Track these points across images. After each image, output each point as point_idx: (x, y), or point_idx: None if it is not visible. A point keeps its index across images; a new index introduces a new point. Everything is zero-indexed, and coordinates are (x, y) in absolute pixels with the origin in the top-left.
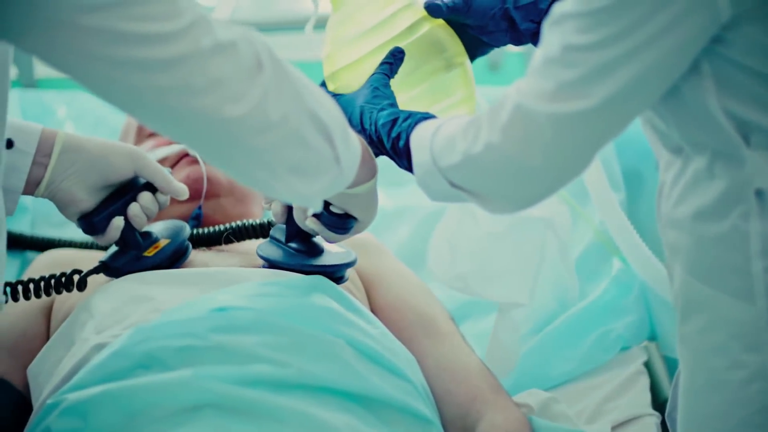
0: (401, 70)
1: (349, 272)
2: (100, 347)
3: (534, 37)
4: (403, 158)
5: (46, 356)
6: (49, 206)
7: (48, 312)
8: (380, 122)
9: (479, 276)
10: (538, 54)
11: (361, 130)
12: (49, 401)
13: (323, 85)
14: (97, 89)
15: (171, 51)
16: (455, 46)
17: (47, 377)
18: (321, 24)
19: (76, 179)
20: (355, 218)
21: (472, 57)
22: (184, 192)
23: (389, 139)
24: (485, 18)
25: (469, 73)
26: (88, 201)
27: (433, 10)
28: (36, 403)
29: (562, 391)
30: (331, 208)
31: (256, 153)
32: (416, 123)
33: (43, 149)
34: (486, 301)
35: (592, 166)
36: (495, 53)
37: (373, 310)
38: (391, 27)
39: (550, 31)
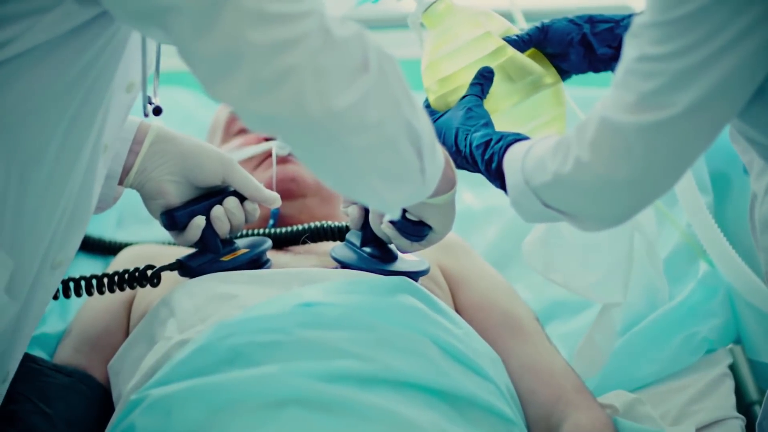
0: (494, 89)
1: (434, 272)
2: (183, 343)
3: (611, 63)
4: (497, 180)
5: (126, 352)
6: (135, 201)
7: (129, 307)
8: (474, 144)
9: (576, 274)
10: (619, 66)
11: (457, 151)
12: (133, 397)
13: (426, 104)
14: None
15: (284, 33)
16: (544, 67)
17: (128, 374)
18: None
19: (164, 171)
20: (429, 227)
21: None
22: (275, 199)
23: (483, 161)
24: (563, 44)
25: (560, 92)
26: (174, 196)
27: (511, 46)
28: (117, 399)
29: (646, 392)
30: (407, 215)
31: (347, 152)
32: (508, 145)
33: (138, 138)
34: (572, 303)
35: None
36: None
37: (458, 310)
38: (478, 48)
39: (629, 44)
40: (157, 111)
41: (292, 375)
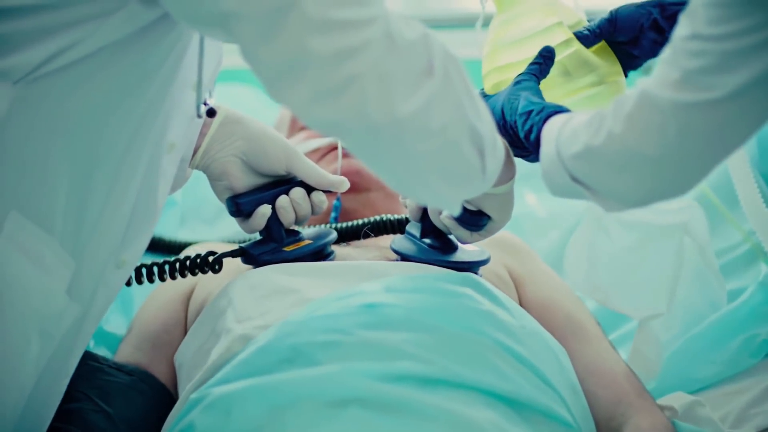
0: (554, 82)
1: (500, 271)
2: (244, 339)
3: None
4: (535, 151)
5: (188, 345)
6: (199, 201)
7: (187, 302)
8: (517, 113)
9: (617, 289)
10: (669, 44)
11: (503, 123)
12: (193, 396)
13: (482, 92)
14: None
15: (347, 41)
16: (609, 64)
17: (190, 368)
18: (485, 23)
19: (229, 152)
20: (488, 216)
21: (626, 71)
22: (342, 183)
23: (523, 131)
24: (634, 31)
25: (622, 90)
26: (237, 178)
27: (582, 40)
28: (181, 393)
29: (706, 395)
30: (466, 206)
31: (410, 157)
32: (548, 116)
33: (208, 120)
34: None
35: (739, 166)
36: None
37: (522, 306)
38: (546, 39)
39: (683, 22)
40: (211, 113)
41: (352, 375)
